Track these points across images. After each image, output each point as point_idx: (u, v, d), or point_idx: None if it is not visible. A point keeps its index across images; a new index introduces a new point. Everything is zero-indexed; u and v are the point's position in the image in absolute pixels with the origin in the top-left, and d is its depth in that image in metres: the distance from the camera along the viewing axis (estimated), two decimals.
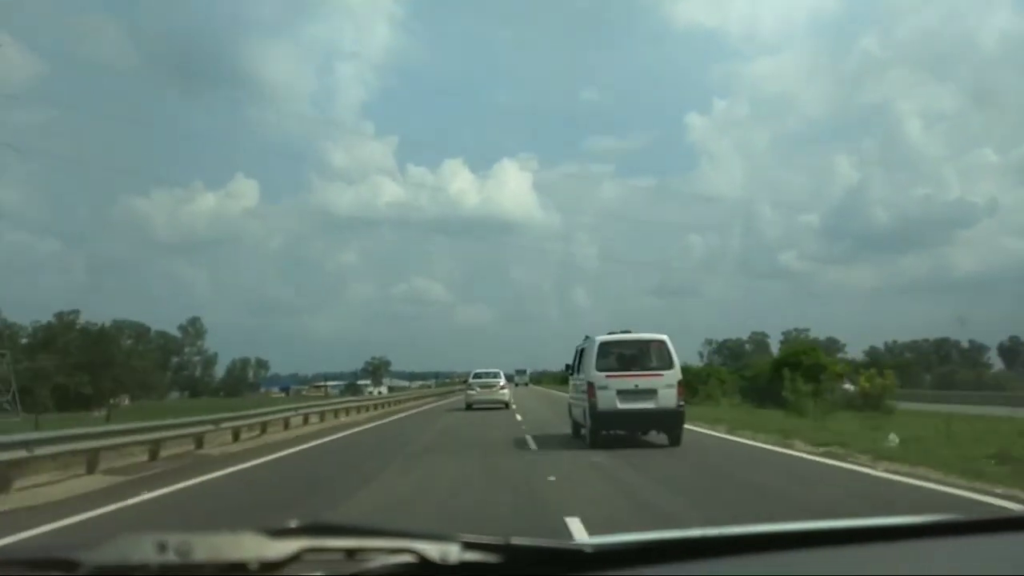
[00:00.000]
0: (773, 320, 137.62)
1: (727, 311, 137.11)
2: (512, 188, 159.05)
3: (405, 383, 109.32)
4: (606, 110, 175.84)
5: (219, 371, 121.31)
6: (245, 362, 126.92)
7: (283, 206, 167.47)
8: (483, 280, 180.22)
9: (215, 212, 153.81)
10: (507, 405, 30.97)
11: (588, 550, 1.12)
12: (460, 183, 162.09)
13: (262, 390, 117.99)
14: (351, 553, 1.00)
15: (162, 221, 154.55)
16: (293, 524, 0.99)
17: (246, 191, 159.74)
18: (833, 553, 1.27)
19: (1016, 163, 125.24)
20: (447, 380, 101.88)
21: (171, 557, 0.92)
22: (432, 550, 1.00)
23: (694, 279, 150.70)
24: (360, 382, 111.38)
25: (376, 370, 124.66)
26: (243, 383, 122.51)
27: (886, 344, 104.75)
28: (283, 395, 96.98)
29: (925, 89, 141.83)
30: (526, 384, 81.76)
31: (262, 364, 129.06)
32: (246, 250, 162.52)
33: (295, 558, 0.95)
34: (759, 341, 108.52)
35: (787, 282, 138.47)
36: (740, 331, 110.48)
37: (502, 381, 34.15)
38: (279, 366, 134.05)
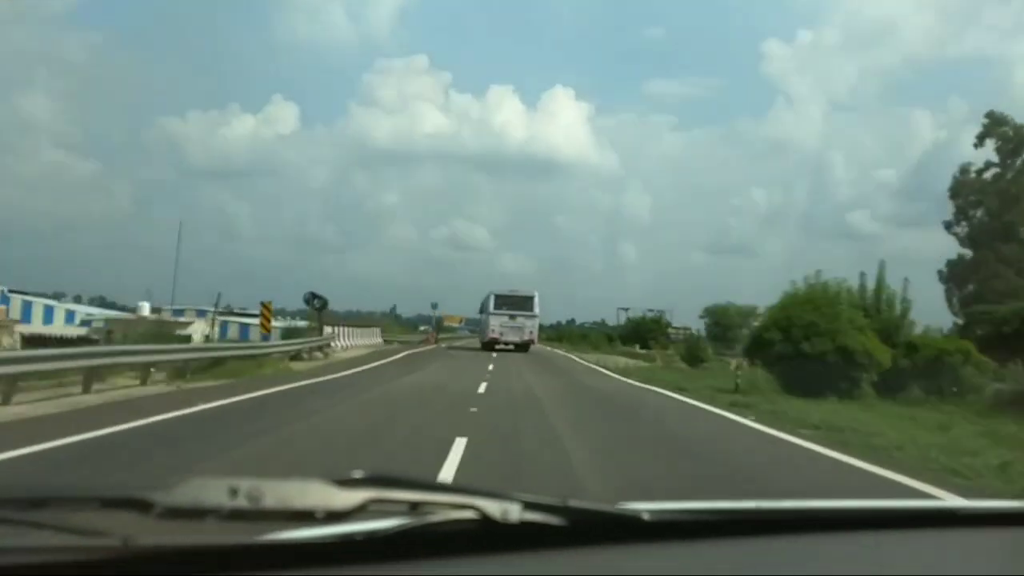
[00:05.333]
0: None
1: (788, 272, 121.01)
2: (562, 129, 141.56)
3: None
4: (671, 45, 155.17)
5: None
6: None
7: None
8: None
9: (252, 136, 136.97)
10: None
11: (646, 516, 1.13)
12: (506, 113, 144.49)
13: None
14: (415, 506, 1.01)
15: None
16: (359, 475, 1.01)
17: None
18: (899, 536, 1.28)
19: None
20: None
21: (242, 502, 0.93)
22: (493, 508, 1.02)
23: (753, 236, 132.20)
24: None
25: None
26: None
27: None
28: None
29: None
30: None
31: None
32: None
33: (360, 508, 0.97)
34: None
35: (855, 244, 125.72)
36: None
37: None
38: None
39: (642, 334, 64.10)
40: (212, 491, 0.93)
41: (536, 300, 39.96)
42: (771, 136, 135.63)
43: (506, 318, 38.98)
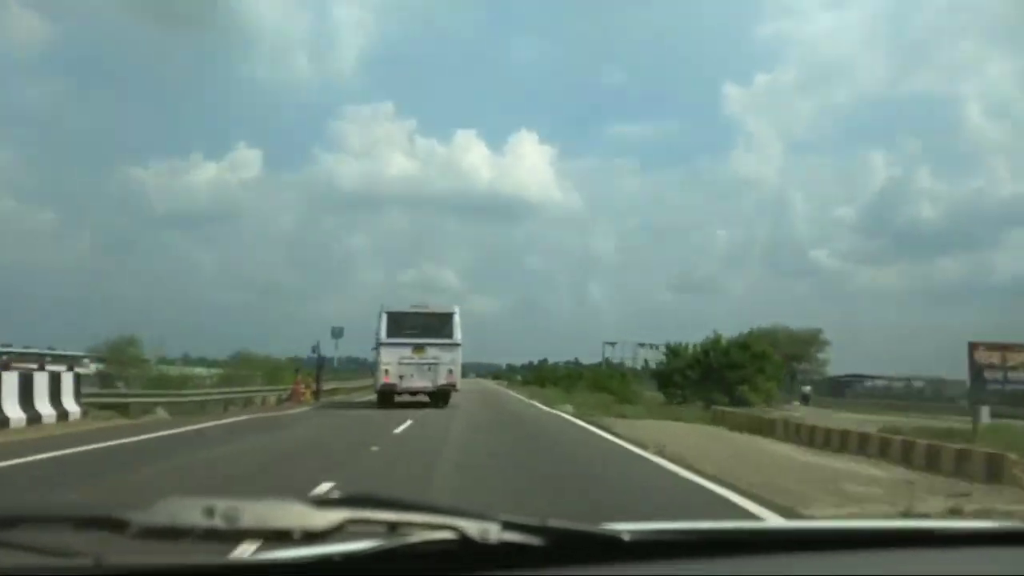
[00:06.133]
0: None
1: (752, 309, 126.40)
2: (525, 174, 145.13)
3: None
4: (632, 90, 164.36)
5: None
6: None
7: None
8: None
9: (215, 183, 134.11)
10: None
11: (625, 537, 1.13)
12: (473, 157, 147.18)
13: None
14: (393, 527, 1.00)
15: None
16: (337, 495, 1.00)
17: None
18: (876, 556, 1.28)
19: None
20: None
21: (218, 522, 0.92)
22: (472, 528, 1.01)
23: (718, 274, 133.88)
24: None
25: None
26: None
27: None
28: None
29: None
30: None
31: None
32: None
33: (338, 528, 0.96)
34: None
35: (817, 280, 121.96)
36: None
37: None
38: None
39: (721, 373, 34.02)
40: (188, 511, 0.92)
41: (457, 320, 23.72)
42: (733, 176, 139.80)
43: (409, 350, 23.10)
